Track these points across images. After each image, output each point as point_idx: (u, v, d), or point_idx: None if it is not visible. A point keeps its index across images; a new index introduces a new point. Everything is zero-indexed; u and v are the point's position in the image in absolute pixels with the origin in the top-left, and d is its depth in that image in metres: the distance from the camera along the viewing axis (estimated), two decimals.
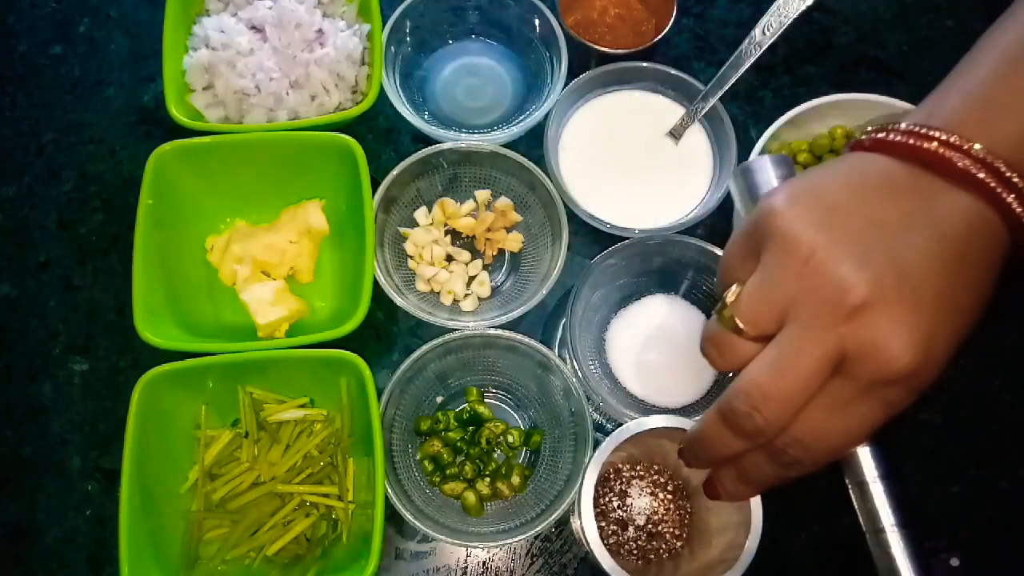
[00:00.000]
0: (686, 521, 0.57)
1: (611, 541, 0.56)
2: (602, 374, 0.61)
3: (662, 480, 0.57)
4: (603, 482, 0.57)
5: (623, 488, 0.57)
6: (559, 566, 0.58)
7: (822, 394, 0.35)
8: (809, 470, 0.38)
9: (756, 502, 0.49)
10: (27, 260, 0.66)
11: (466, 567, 0.58)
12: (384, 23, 0.65)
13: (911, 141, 0.36)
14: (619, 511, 0.56)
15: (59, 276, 0.65)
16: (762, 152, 0.60)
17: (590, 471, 0.51)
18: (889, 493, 0.41)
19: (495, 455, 0.60)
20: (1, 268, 0.66)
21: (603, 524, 0.56)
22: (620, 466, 0.58)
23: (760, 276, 0.37)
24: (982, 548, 0.58)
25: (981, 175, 0.35)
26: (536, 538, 0.59)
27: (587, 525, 0.50)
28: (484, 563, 0.58)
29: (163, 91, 0.62)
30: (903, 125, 0.37)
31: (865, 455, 0.41)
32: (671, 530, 0.56)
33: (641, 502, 0.56)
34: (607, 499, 0.56)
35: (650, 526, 0.56)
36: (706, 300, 0.62)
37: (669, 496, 0.57)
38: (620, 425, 0.52)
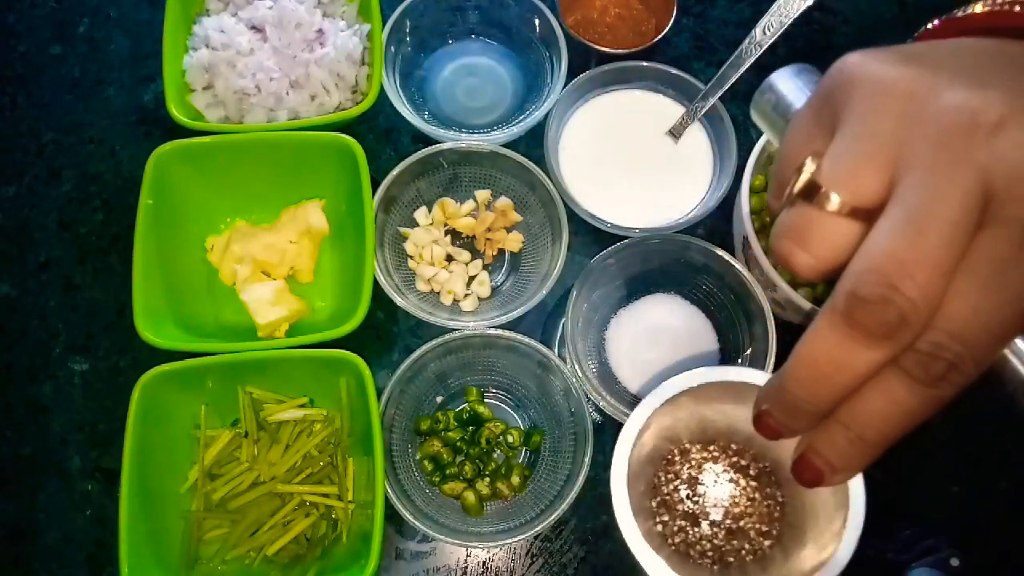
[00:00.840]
0: (776, 514, 0.46)
1: (677, 540, 0.46)
2: (602, 374, 0.61)
3: (743, 463, 0.47)
4: (666, 464, 0.46)
5: (693, 474, 0.46)
6: (559, 566, 0.58)
7: (968, 260, 0.25)
8: (972, 376, 0.27)
9: (858, 483, 0.39)
10: (27, 260, 0.66)
11: (466, 567, 0.58)
12: (384, 23, 0.65)
13: (1000, 7, 0.30)
14: (688, 502, 0.46)
15: (59, 276, 0.65)
16: (762, 152, 0.60)
17: (621, 442, 0.41)
18: None
19: (495, 455, 0.60)
20: (1, 268, 0.66)
21: (667, 519, 0.46)
22: (688, 445, 0.47)
23: (847, 132, 0.28)
24: (982, 548, 0.58)
25: None
26: (536, 538, 0.59)
27: (621, 514, 0.40)
28: (484, 563, 0.58)
29: (163, 91, 0.62)
30: (969, 6, 0.31)
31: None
32: (756, 526, 0.46)
33: (717, 491, 0.46)
34: (671, 487, 0.46)
35: (729, 521, 0.46)
36: (706, 300, 0.62)
37: (753, 483, 0.46)
38: (621, 425, 0.47)
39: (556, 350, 0.61)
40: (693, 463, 0.47)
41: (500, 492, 0.58)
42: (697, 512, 0.46)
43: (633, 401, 0.60)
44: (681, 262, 0.61)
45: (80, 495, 0.60)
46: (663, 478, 0.47)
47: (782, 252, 0.28)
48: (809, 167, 0.28)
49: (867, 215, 0.26)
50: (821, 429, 0.29)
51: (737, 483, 0.47)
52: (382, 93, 0.63)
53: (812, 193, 0.27)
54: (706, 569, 0.45)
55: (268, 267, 0.63)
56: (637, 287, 0.63)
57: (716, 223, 0.64)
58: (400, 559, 0.58)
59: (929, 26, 0.32)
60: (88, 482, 0.60)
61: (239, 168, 0.62)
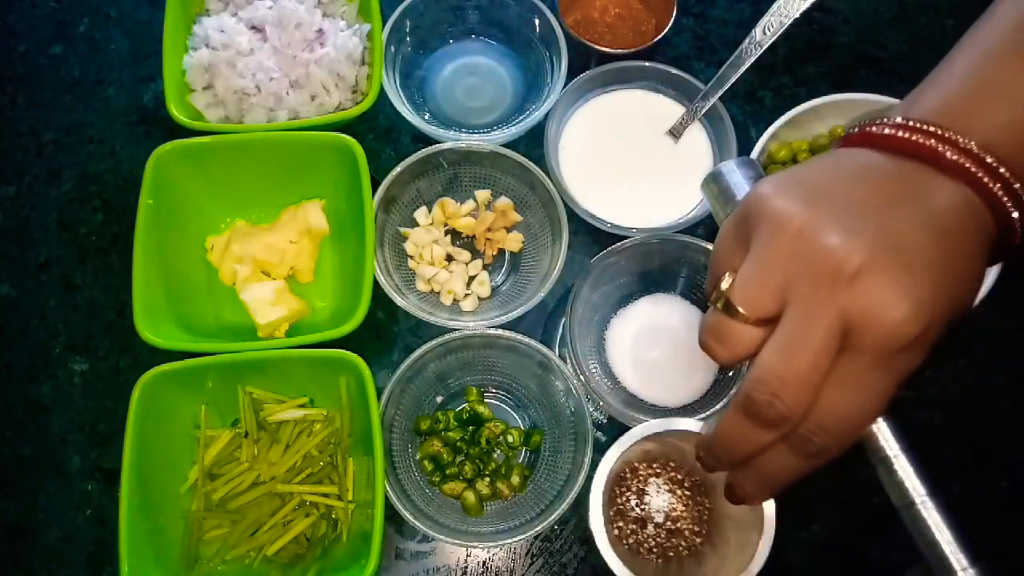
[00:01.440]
0: (705, 517, 0.56)
1: (630, 541, 0.55)
2: (602, 374, 0.61)
3: (679, 477, 0.57)
4: (620, 481, 0.56)
5: (641, 487, 0.56)
6: (559, 566, 0.58)
7: (834, 373, 0.35)
8: (834, 454, 0.37)
9: (769, 504, 0.49)
10: (27, 260, 0.66)
11: (466, 567, 0.58)
12: (384, 23, 0.65)
13: (900, 134, 0.36)
14: (637, 510, 0.56)
15: (59, 276, 0.65)
16: (762, 152, 0.60)
17: (599, 474, 0.50)
18: (914, 464, 0.40)
19: (495, 455, 0.60)
20: (1, 268, 0.66)
21: (621, 524, 0.55)
22: (637, 464, 0.57)
23: (753, 258, 0.37)
24: (982, 548, 0.58)
25: (969, 166, 0.35)
26: (536, 538, 0.59)
27: (595, 528, 0.50)
28: (484, 563, 0.58)
29: (163, 91, 0.62)
30: (887, 119, 0.38)
31: (883, 430, 0.40)
32: (690, 527, 0.56)
33: (659, 500, 0.56)
34: (625, 498, 0.56)
35: (669, 523, 0.55)
36: (706, 300, 0.62)
37: (687, 493, 0.56)
38: (621, 424, 0.52)
39: (556, 350, 0.61)
40: (640, 478, 0.57)
41: (500, 492, 0.58)
42: (644, 517, 0.56)
43: (633, 401, 0.60)
44: (681, 262, 0.61)
45: (80, 495, 0.60)
46: (618, 491, 0.56)
47: (706, 345, 0.39)
48: (726, 282, 0.37)
49: (767, 322, 0.36)
50: (740, 471, 0.41)
51: (674, 493, 0.56)
52: (382, 93, 0.63)
53: (728, 306, 0.37)
54: (652, 563, 0.55)
55: (268, 267, 0.63)
56: (637, 287, 0.63)
57: (716, 223, 0.64)
58: (400, 559, 0.58)
59: (849, 132, 0.39)
60: (88, 482, 0.60)
61: (239, 168, 0.62)
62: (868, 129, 0.38)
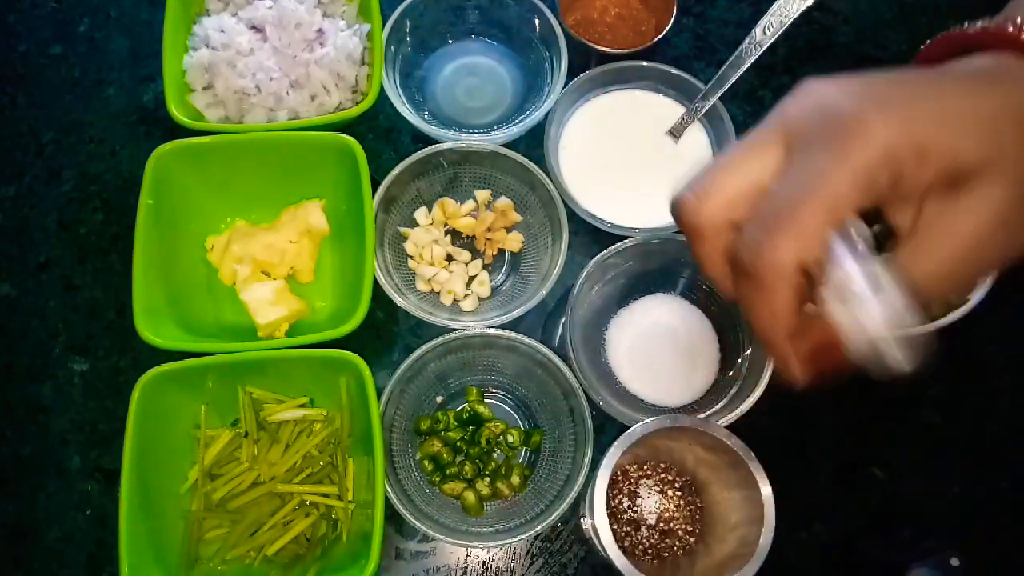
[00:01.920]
0: (697, 517, 0.56)
1: (625, 543, 0.56)
2: (602, 374, 0.61)
3: (670, 478, 0.57)
4: (612, 485, 0.57)
5: (632, 489, 0.57)
6: (559, 566, 0.58)
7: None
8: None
9: (768, 497, 0.49)
10: (27, 260, 0.66)
11: (466, 567, 0.58)
12: (384, 23, 0.65)
13: (988, 27, 0.35)
14: (630, 512, 0.56)
15: (59, 276, 0.65)
16: None
17: (601, 473, 0.50)
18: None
19: (495, 455, 0.60)
20: (1, 268, 0.66)
21: (615, 527, 0.56)
22: (627, 468, 0.58)
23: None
24: (982, 548, 0.58)
25: None
26: (536, 538, 0.59)
27: (600, 527, 0.49)
28: (484, 563, 0.58)
29: (163, 91, 0.62)
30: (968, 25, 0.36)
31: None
32: (683, 527, 0.56)
33: (651, 501, 0.56)
34: (617, 501, 0.56)
35: (662, 524, 0.56)
36: (706, 300, 0.62)
37: (678, 493, 0.57)
38: (621, 424, 0.52)
39: (556, 350, 0.61)
40: (632, 481, 0.57)
41: (500, 492, 0.58)
42: (637, 519, 0.56)
43: (633, 401, 0.60)
44: (681, 262, 0.61)
45: (80, 495, 0.60)
46: (610, 494, 0.56)
47: (681, 197, 0.38)
48: None
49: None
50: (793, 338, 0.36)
51: (665, 494, 0.57)
52: (382, 93, 0.63)
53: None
54: (647, 564, 0.55)
55: (268, 267, 0.63)
56: (637, 287, 0.63)
57: None
58: (400, 559, 0.58)
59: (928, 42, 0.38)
60: (88, 482, 0.60)
61: (239, 168, 0.62)
62: (951, 31, 0.36)
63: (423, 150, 0.62)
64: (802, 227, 0.31)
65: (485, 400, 0.61)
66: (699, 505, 0.57)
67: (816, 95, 0.33)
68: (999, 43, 0.34)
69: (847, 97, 0.32)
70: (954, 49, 0.35)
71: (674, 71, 0.64)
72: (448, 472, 0.58)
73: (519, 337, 0.57)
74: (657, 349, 0.61)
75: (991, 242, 0.32)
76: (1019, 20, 0.34)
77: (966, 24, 0.36)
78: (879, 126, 0.30)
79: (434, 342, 0.57)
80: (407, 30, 0.67)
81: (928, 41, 0.37)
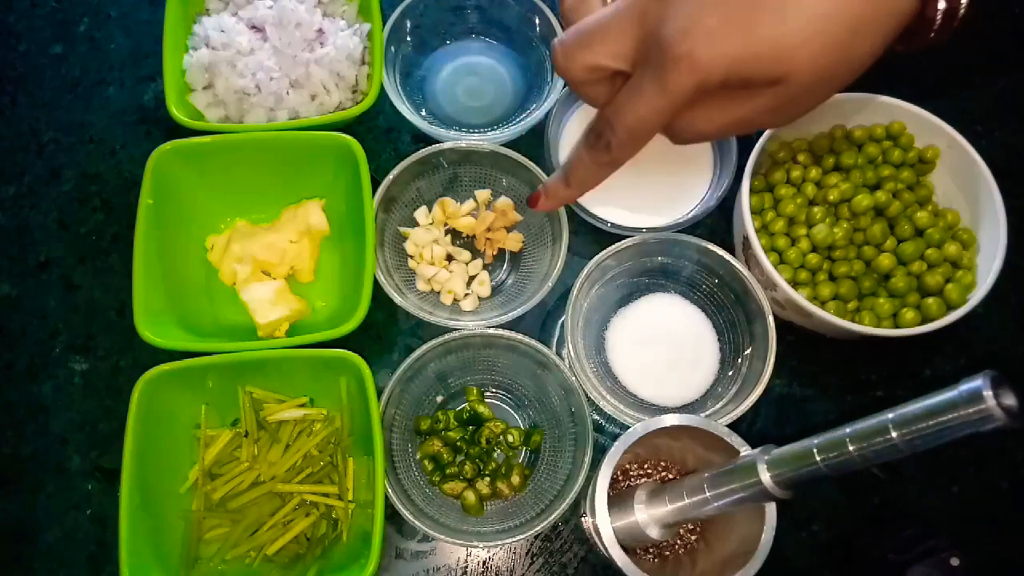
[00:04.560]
0: None
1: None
2: (602, 374, 0.61)
3: (670, 477, 0.57)
4: (612, 484, 0.56)
5: (632, 487, 0.56)
6: (559, 566, 0.58)
7: (625, 85, 0.41)
8: (615, 152, 0.45)
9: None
10: (27, 260, 0.66)
11: (466, 567, 0.58)
12: (384, 22, 0.65)
13: None
14: None
15: (59, 276, 0.65)
16: (762, 152, 0.60)
17: (602, 472, 0.50)
18: None
19: (495, 455, 0.60)
20: (1, 268, 0.66)
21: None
22: (627, 467, 0.57)
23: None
24: (982, 548, 0.58)
25: None
26: (536, 538, 0.59)
27: (602, 525, 0.49)
28: (484, 563, 0.58)
29: (163, 91, 0.62)
30: None
31: None
32: (684, 525, 0.55)
33: None
34: None
35: None
36: (706, 300, 0.62)
37: None
38: (621, 424, 0.52)
39: (556, 350, 0.61)
40: (632, 478, 0.57)
41: (500, 492, 0.58)
42: None
43: (633, 401, 0.60)
44: (681, 262, 0.61)
45: (80, 495, 0.60)
46: (611, 493, 0.55)
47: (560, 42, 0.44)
48: None
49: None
50: (553, 179, 0.53)
51: None
52: (382, 93, 0.63)
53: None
54: (649, 563, 0.55)
55: (268, 267, 0.63)
56: (637, 287, 0.63)
57: (716, 223, 0.64)
58: (400, 559, 0.58)
59: None
60: (88, 482, 0.60)
61: (239, 168, 0.62)
62: None
63: (423, 150, 0.62)
64: (622, 125, 0.43)
65: (485, 400, 0.61)
66: None
67: (655, 9, 0.39)
68: None
69: (677, 18, 0.37)
70: None
71: None
72: (448, 472, 0.58)
73: (519, 337, 0.57)
74: (657, 349, 0.61)
75: (759, 122, 0.41)
76: None
77: None
78: (698, 63, 0.37)
79: (434, 342, 0.57)
80: (407, 30, 0.67)
81: None
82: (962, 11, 0.36)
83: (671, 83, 0.37)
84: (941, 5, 0.36)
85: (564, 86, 0.63)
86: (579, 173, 0.48)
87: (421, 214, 0.65)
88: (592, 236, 0.63)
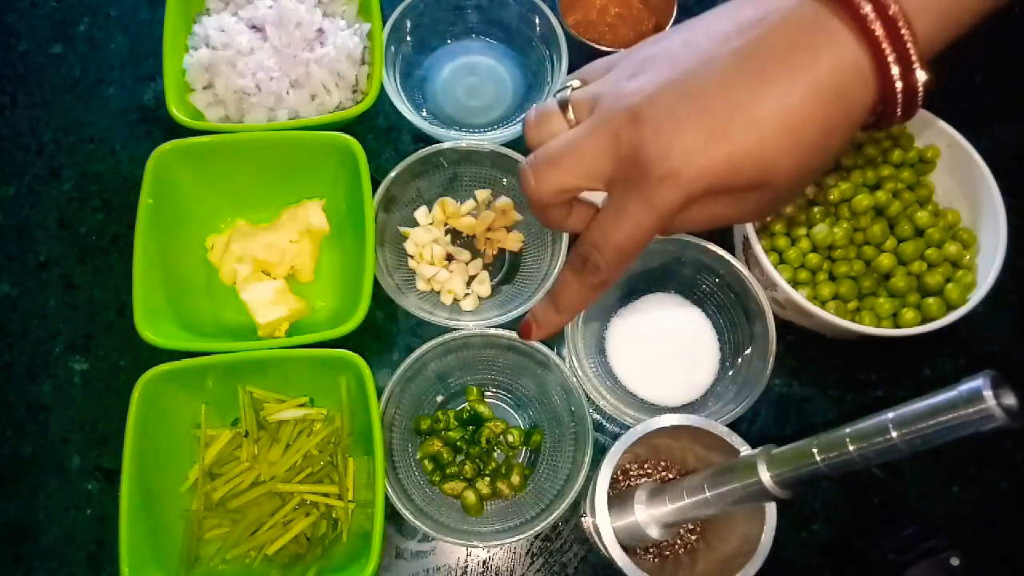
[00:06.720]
0: None
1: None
2: (602, 374, 0.61)
3: (670, 476, 0.57)
4: (612, 484, 0.56)
5: (632, 486, 0.56)
6: (559, 565, 0.58)
7: (606, 206, 0.41)
8: (605, 274, 0.42)
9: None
10: (27, 260, 0.66)
11: (466, 566, 0.58)
12: (384, 22, 0.65)
13: None
14: None
15: (59, 276, 0.65)
16: None
17: (602, 472, 0.50)
18: None
19: (495, 454, 0.60)
20: (1, 268, 0.66)
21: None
22: (627, 466, 0.57)
23: (589, 133, 0.40)
24: (982, 548, 0.58)
25: (876, 28, 0.34)
26: (536, 538, 0.59)
27: (602, 525, 0.49)
28: (484, 562, 0.58)
29: (163, 90, 0.62)
30: None
31: None
32: (684, 524, 0.56)
33: None
34: None
35: None
36: (706, 300, 0.62)
37: None
38: (621, 424, 0.52)
39: (556, 349, 0.61)
40: (632, 478, 0.57)
41: (500, 491, 0.58)
42: None
43: (633, 401, 0.60)
44: (681, 262, 0.61)
45: (80, 495, 0.60)
46: (610, 493, 0.55)
47: (528, 122, 0.44)
48: (579, 82, 0.44)
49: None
50: (541, 306, 0.49)
51: None
52: (382, 92, 0.63)
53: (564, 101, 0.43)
54: (649, 562, 0.55)
55: (268, 267, 0.63)
56: (637, 287, 0.63)
57: None
58: (400, 558, 0.58)
59: None
60: (88, 482, 0.60)
61: (239, 168, 0.62)
62: None
63: (423, 150, 0.62)
64: (609, 247, 0.41)
65: (485, 399, 0.61)
66: None
67: (629, 131, 0.38)
68: None
69: (655, 139, 0.37)
70: None
71: None
72: (448, 472, 0.58)
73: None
74: (657, 349, 0.61)
75: (736, 219, 0.41)
76: None
77: None
78: (682, 180, 0.36)
79: (434, 342, 0.57)
80: (407, 30, 0.67)
81: None
82: (921, 87, 0.36)
83: (658, 200, 0.37)
84: (899, 85, 0.36)
85: (560, 89, 0.63)
86: (569, 298, 0.46)
87: (421, 214, 0.65)
88: None
